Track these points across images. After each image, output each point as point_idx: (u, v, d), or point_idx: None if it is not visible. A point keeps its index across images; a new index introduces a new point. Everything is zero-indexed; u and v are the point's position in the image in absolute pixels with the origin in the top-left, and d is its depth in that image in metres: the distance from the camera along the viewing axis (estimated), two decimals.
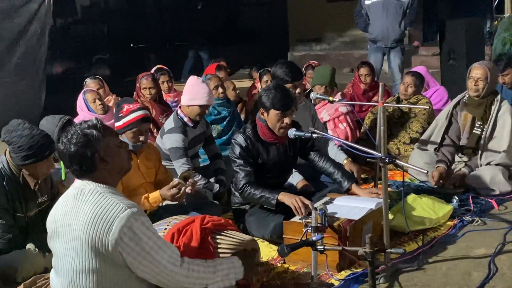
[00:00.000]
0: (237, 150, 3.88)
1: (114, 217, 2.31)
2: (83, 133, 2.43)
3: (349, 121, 5.72)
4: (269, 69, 5.89)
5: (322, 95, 4.73)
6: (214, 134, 5.25)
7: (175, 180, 3.79)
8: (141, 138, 3.86)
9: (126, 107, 3.87)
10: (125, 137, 3.83)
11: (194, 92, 4.53)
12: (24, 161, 3.42)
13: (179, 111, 4.59)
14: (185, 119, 4.55)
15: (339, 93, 5.91)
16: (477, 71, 4.75)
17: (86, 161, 2.41)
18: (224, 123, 5.47)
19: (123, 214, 2.31)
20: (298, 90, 4.54)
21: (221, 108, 5.46)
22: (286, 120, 3.83)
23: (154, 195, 3.73)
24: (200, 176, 4.42)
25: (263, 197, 3.76)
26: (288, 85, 4.45)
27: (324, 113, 5.63)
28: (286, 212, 3.69)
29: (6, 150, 3.52)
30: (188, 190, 3.73)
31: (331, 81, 5.40)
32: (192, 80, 4.68)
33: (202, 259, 2.60)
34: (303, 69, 7.10)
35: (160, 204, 3.85)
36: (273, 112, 3.82)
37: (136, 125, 3.83)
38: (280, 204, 3.71)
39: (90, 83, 6.36)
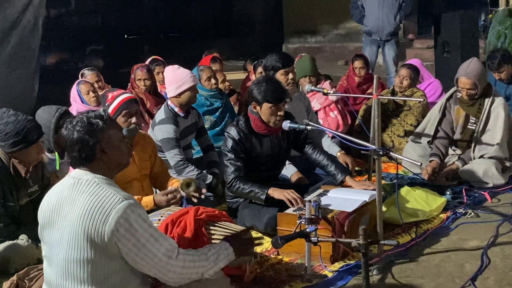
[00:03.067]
0: (230, 143, 3.86)
1: (111, 208, 2.30)
2: (88, 121, 2.43)
3: (340, 109, 5.73)
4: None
5: (315, 87, 4.74)
6: (207, 125, 5.25)
7: (172, 187, 3.76)
8: (133, 120, 3.80)
9: (110, 95, 3.87)
10: None
11: (177, 79, 4.52)
12: (13, 148, 3.41)
13: (169, 102, 4.58)
14: (176, 110, 4.54)
15: (327, 82, 5.89)
16: (464, 81, 4.70)
17: (86, 149, 2.41)
18: (217, 114, 5.45)
19: (120, 205, 2.31)
20: (291, 76, 4.53)
21: (213, 100, 5.45)
22: (281, 113, 3.81)
23: (147, 200, 3.67)
24: (194, 167, 4.42)
25: (253, 191, 3.75)
26: (281, 71, 4.46)
27: (315, 102, 5.63)
28: (279, 205, 3.69)
29: None
30: (195, 200, 3.70)
31: (312, 69, 5.36)
32: (169, 70, 4.67)
33: (194, 249, 2.58)
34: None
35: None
36: (266, 106, 3.79)
37: (124, 107, 3.78)
38: (269, 199, 3.71)
39: (88, 75, 6.27)
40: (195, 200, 3.73)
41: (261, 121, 3.88)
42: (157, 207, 3.63)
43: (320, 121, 5.51)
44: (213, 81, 5.39)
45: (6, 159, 3.47)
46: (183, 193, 3.71)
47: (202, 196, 3.82)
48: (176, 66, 4.69)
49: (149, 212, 3.16)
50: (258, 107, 3.84)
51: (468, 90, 4.71)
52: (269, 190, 3.70)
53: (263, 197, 3.71)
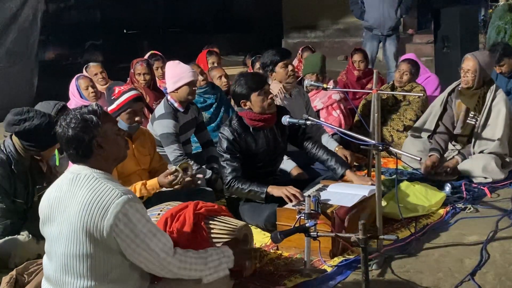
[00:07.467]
0: (224, 144, 3.83)
1: (109, 203, 2.30)
2: (82, 117, 2.40)
3: (342, 108, 5.72)
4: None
5: (316, 82, 4.73)
6: None
7: (172, 167, 3.78)
8: (137, 118, 3.84)
9: (117, 89, 3.87)
10: (120, 120, 3.80)
11: (176, 74, 4.53)
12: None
13: (169, 97, 4.58)
14: (176, 105, 4.54)
15: (332, 81, 5.90)
16: (467, 62, 4.71)
17: (83, 146, 2.40)
18: (211, 109, 5.46)
19: (118, 200, 2.30)
20: (290, 68, 4.55)
21: (206, 96, 5.45)
22: (271, 95, 3.83)
23: (152, 182, 3.72)
24: (193, 162, 4.41)
25: (252, 191, 3.73)
26: (280, 64, 4.47)
27: (317, 101, 5.62)
28: (279, 201, 3.68)
29: (11, 135, 3.46)
30: (188, 181, 3.72)
31: (322, 68, 5.38)
32: (170, 64, 4.69)
33: (194, 250, 2.59)
34: (300, 51, 7.17)
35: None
36: (254, 95, 3.79)
37: (129, 105, 3.81)
38: (269, 197, 3.70)
39: (92, 66, 6.23)
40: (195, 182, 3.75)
41: (255, 113, 3.86)
42: (161, 188, 3.70)
43: (322, 119, 5.49)
44: (200, 77, 5.38)
45: (25, 155, 3.45)
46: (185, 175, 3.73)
47: (199, 182, 3.85)
48: (176, 61, 4.69)
49: (148, 206, 3.16)
50: (248, 103, 3.83)
51: (467, 72, 4.68)
52: (268, 188, 3.69)
53: (263, 196, 3.70)
